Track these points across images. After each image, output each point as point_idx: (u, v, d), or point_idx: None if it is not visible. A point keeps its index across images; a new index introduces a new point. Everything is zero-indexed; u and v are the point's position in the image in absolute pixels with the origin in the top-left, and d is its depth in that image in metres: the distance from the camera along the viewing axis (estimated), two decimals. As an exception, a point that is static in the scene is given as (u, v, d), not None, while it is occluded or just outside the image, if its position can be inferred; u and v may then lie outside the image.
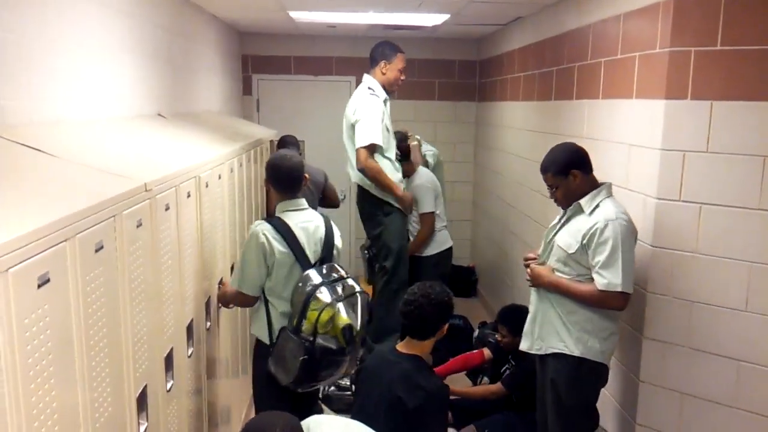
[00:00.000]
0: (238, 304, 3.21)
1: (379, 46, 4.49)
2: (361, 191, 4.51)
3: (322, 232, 3.04)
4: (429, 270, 4.89)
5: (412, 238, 4.86)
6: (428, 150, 5.76)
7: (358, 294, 2.94)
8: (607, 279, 2.77)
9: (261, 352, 3.02)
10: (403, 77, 4.47)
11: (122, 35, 3.14)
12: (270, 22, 5.94)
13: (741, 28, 2.75)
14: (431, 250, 4.90)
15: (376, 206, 4.46)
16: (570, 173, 2.90)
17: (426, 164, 5.41)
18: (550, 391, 3.02)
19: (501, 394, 3.75)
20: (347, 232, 7.11)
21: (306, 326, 2.79)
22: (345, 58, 6.89)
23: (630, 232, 2.84)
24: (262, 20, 5.91)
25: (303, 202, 3.07)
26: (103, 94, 2.87)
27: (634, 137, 3.19)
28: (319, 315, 2.77)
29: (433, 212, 4.85)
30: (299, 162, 3.08)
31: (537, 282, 3.02)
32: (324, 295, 2.82)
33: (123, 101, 3.12)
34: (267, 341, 2.96)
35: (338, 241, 3.14)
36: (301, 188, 3.05)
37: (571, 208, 2.96)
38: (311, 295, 2.80)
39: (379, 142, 4.22)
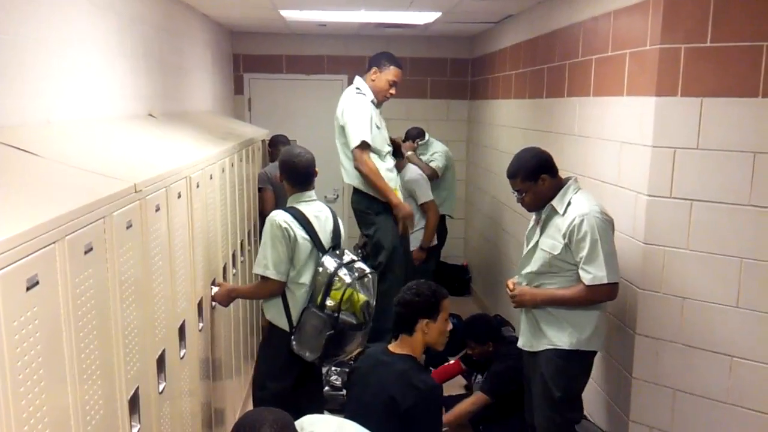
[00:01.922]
0: (260, 295, 3.35)
1: (378, 54, 4.52)
2: (355, 191, 4.51)
3: (331, 221, 3.32)
4: (413, 264, 4.93)
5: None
6: (436, 150, 5.73)
7: (369, 274, 3.22)
8: (592, 273, 2.83)
9: (274, 335, 3.23)
10: (392, 91, 4.45)
11: (112, 35, 3.13)
12: (261, 21, 5.93)
13: (731, 25, 2.75)
14: (414, 245, 4.93)
15: (367, 205, 4.46)
16: (539, 178, 2.96)
17: (434, 173, 5.45)
18: (539, 384, 3.04)
19: (484, 402, 3.77)
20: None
21: (330, 303, 3.06)
22: (337, 56, 6.89)
23: (605, 223, 2.88)
24: (253, 19, 5.90)
25: (313, 194, 3.30)
26: (93, 94, 2.86)
27: (625, 134, 3.20)
28: (343, 293, 3.06)
29: (433, 200, 4.87)
30: (312, 158, 3.30)
31: (522, 301, 3.06)
32: (345, 276, 3.10)
33: (113, 101, 3.11)
34: (286, 327, 3.18)
35: (342, 230, 3.42)
36: (313, 182, 3.30)
37: (544, 210, 3.01)
38: (334, 275, 3.08)
39: (368, 139, 4.21)
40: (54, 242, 1.46)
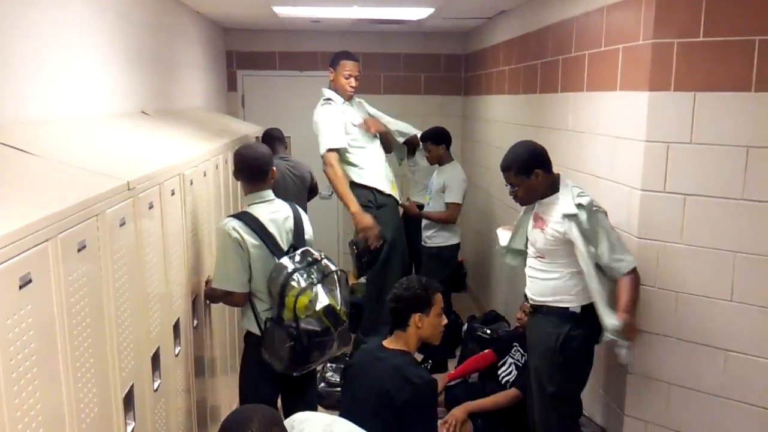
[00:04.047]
0: (228, 304, 3.22)
1: (331, 57, 4.69)
2: (354, 186, 4.53)
3: (291, 221, 3.07)
4: (428, 261, 4.96)
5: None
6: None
7: (334, 273, 2.97)
8: (626, 260, 2.87)
9: (252, 343, 3.05)
10: (352, 83, 4.57)
11: (105, 33, 3.12)
12: (254, 17, 5.91)
13: (723, 20, 2.76)
14: (436, 242, 4.96)
15: (368, 199, 4.49)
16: (533, 172, 2.95)
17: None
18: (534, 380, 3.06)
19: (519, 398, 3.64)
20: (335, 228, 7.10)
21: (286, 314, 2.82)
22: (330, 53, 6.76)
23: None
24: (245, 16, 5.88)
25: (270, 193, 3.07)
26: (86, 92, 2.85)
27: (619, 129, 3.20)
28: (296, 301, 2.80)
29: (459, 204, 4.97)
30: (266, 152, 3.11)
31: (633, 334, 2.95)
32: (298, 280, 2.84)
33: (106, 99, 3.10)
34: (257, 332, 2.99)
35: (308, 228, 3.18)
36: (267, 179, 3.06)
37: (542, 203, 3.01)
38: (286, 284, 2.82)
39: (334, 145, 4.39)
40: (47, 240, 1.45)
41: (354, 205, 4.35)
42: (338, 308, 2.92)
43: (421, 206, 5.21)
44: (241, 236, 2.88)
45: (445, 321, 2.84)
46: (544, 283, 3.02)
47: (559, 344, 2.94)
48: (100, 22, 3.06)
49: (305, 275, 2.87)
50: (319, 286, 2.88)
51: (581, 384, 3.09)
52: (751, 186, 2.75)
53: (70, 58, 2.68)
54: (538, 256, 3.05)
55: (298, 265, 2.89)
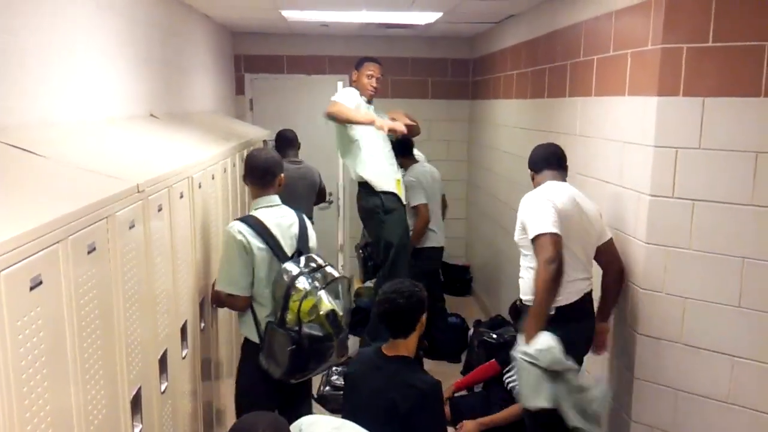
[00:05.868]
0: (231, 308, 3.17)
1: (356, 60, 4.71)
2: (362, 189, 4.52)
3: (296, 227, 3.07)
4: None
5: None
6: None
7: (338, 280, 2.97)
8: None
9: (250, 351, 3.00)
10: (373, 84, 4.60)
11: (114, 35, 3.13)
12: (262, 21, 5.93)
13: (733, 25, 2.75)
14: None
15: (375, 203, 4.47)
16: (529, 172, 3.24)
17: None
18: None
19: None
20: (340, 232, 7.09)
21: (290, 317, 2.80)
22: (338, 57, 6.88)
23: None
24: (254, 19, 5.90)
25: (276, 198, 3.07)
26: (95, 94, 2.86)
27: (627, 134, 3.20)
28: (301, 304, 2.79)
29: (425, 204, 4.92)
30: (275, 158, 3.12)
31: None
32: (303, 284, 2.82)
33: (115, 102, 3.11)
34: (256, 340, 2.95)
35: (312, 235, 3.18)
36: (274, 184, 3.07)
37: None
38: (291, 286, 2.81)
39: (340, 99, 4.35)
40: (57, 242, 1.46)
41: (369, 117, 4.31)
42: (340, 315, 2.89)
43: None
44: (246, 239, 2.86)
45: None
46: (524, 281, 3.09)
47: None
48: (109, 24, 3.07)
49: (310, 279, 2.85)
50: (323, 291, 2.85)
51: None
52: (759, 191, 2.74)
53: (79, 60, 2.70)
54: (520, 249, 3.14)
55: (302, 269, 2.87)
